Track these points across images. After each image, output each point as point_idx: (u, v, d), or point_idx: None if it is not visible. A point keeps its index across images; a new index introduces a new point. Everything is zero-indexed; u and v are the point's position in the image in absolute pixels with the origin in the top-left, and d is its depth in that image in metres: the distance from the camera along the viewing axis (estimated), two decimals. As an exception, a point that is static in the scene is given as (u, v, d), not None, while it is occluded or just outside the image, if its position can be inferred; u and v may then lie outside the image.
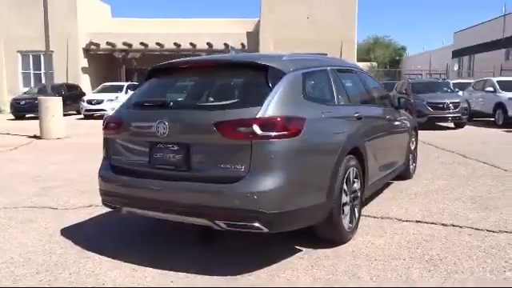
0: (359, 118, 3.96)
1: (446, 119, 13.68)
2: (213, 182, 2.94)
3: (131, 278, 3.03)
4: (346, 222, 3.55)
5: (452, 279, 2.94)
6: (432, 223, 4.14)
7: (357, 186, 3.79)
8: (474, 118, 15.30)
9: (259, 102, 2.95)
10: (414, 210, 4.61)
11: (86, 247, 3.61)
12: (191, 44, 26.14)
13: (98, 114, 18.82)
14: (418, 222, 4.20)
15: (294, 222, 3.06)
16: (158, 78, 3.82)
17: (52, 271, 3.16)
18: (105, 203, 3.61)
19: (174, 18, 29.51)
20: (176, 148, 3.11)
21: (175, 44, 26.33)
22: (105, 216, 4.55)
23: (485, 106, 15.06)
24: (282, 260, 3.28)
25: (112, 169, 3.48)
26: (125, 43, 26.49)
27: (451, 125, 14.13)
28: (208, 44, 25.87)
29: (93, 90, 23.31)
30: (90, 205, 4.92)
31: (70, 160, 8.19)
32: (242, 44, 25.85)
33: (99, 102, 19.51)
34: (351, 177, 3.64)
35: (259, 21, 26.09)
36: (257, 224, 2.84)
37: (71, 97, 20.60)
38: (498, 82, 15.08)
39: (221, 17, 28.89)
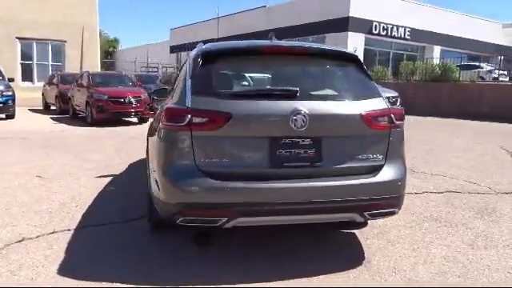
0: None
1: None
2: (349, 174, 2.83)
3: None
4: None
5: (505, 221, 3.80)
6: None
7: None
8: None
9: (376, 93, 3.05)
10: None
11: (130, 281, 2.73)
12: None
13: None
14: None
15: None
16: (226, 63, 3.19)
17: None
18: (192, 220, 2.73)
19: None
20: (308, 142, 2.77)
21: None
22: (73, 242, 3.31)
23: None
24: (359, 245, 3.30)
25: (205, 175, 2.68)
26: None
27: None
28: None
29: None
30: (39, 234, 3.43)
31: None
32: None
33: None
34: None
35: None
36: (394, 209, 2.93)
37: None
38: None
39: None
